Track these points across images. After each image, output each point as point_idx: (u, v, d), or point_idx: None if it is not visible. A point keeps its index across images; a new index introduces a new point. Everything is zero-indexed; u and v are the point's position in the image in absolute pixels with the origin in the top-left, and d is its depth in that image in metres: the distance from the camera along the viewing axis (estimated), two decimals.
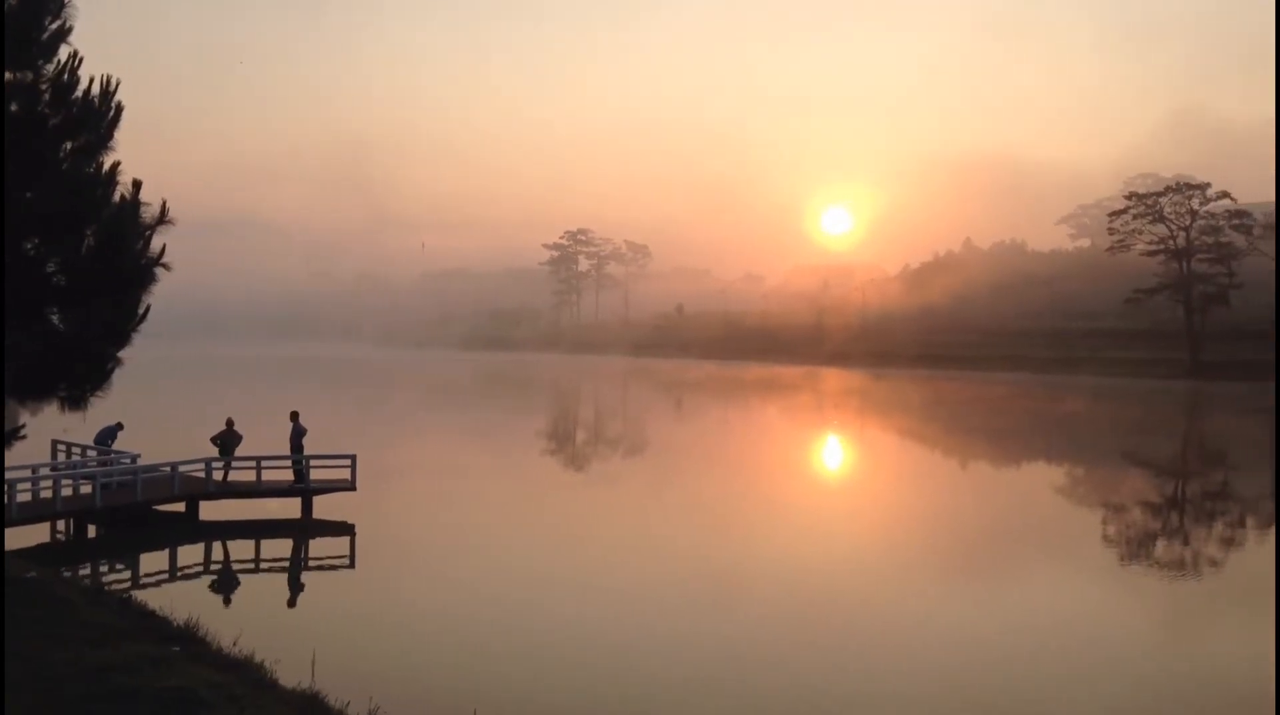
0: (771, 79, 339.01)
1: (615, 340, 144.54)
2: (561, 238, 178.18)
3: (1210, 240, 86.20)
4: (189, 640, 11.10)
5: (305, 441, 22.64)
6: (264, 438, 24.55)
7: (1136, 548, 21.05)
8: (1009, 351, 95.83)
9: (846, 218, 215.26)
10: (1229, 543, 21.91)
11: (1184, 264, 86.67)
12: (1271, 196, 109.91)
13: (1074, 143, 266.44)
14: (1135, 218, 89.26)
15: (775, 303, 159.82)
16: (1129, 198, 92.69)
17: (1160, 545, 21.64)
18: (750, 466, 34.16)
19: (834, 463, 36.72)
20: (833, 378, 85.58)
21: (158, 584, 16.71)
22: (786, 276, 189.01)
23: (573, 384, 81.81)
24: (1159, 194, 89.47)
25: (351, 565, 18.51)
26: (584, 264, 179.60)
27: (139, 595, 14.44)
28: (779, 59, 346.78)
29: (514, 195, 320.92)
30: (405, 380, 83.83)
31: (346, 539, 20.07)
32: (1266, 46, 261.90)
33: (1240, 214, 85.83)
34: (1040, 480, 31.74)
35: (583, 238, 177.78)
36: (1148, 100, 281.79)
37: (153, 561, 18.37)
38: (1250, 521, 24.64)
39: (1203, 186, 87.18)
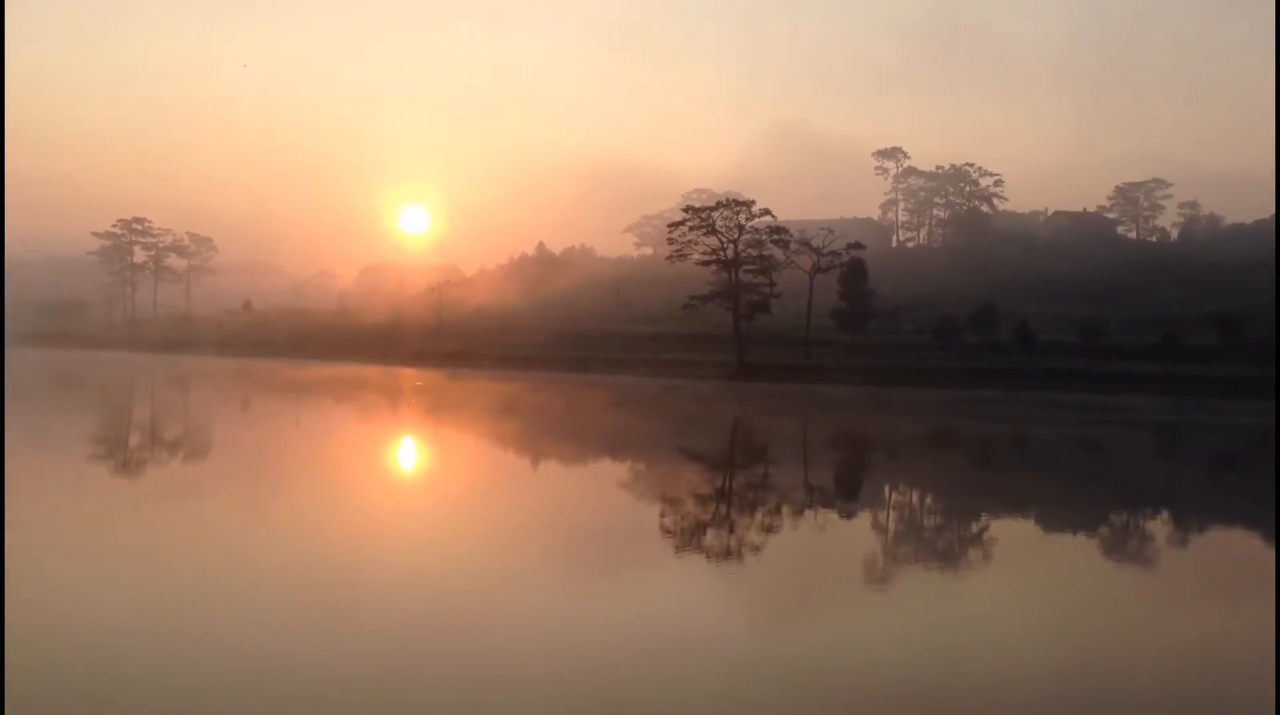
0: (366, 71, 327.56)
1: (189, 338, 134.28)
2: (114, 226, 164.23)
3: (755, 253, 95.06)
4: None
5: None
6: None
7: (692, 539, 22.85)
8: (579, 352, 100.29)
9: (424, 218, 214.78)
10: (772, 530, 24.36)
11: (733, 273, 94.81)
12: (813, 214, 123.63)
13: (678, 151, 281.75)
14: (691, 229, 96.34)
15: (351, 301, 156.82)
16: (686, 211, 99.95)
17: (719, 536, 23.59)
18: (325, 471, 33.35)
19: (414, 465, 36.68)
20: (409, 377, 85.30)
21: None
22: (362, 274, 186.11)
23: (127, 382, 75.58)
24: (711, 208, 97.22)
25: None
26: (140, 255, 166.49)
27: None
28: (378, 52, 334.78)
29: (57, 176, 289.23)
30: None
31: None
32: (864, 69, 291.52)
33: (779, 230, 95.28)
34: (608, 477, 33.60)
35: (138, 227, 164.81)
36: (754, 113, 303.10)
37: None
38: (787, 510, 27.47)
39: (748, 203, 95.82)
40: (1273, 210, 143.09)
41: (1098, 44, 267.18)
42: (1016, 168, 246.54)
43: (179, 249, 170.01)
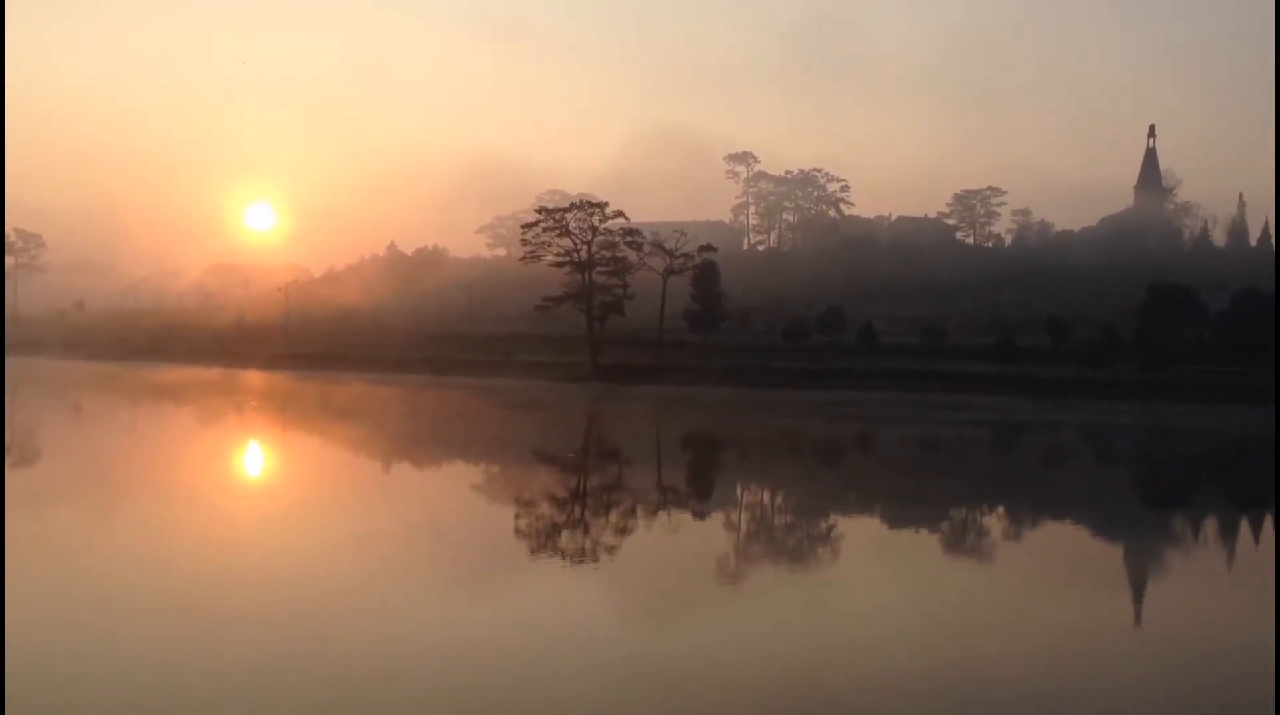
0: (214, 60, 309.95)
1: (20, 339, 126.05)
2: None
3: (608, 254, 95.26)
4: None
5: None
6: None
7: (548, 540, 22.84)
8: (432, 354, 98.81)
9: (271, 215, 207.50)
10: (626, 531, 24.54)
11: (586, 275, 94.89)
12: (673, 215, 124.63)
13: (544, 151, 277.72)
14: (545, 231, 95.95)
15: (192, 302, 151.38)
16: (539, 212, 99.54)
17: (586, 536, 23.63)
18: (173, 479, 32.15)
19: (264, 471, 35.66)
20: (256, 380, 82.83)
21: None
22: (206, 274, 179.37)
23: None
24: (565, 210, 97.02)
25: None
26: None
27: None
28: (226, 40, 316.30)
29: None
30: None
31: None
32: (737, 72, 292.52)
33: (633, 232, 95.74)
34: (463, 480, 33.32)
35: None
36: (624, 114, 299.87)
37: None
38: (641, 509, 27.73)
39: (601, 205, 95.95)
40: (1096, 219, 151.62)
41: (959, 54, 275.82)
42: (876, 174, 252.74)
43: (4, 246, 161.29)
